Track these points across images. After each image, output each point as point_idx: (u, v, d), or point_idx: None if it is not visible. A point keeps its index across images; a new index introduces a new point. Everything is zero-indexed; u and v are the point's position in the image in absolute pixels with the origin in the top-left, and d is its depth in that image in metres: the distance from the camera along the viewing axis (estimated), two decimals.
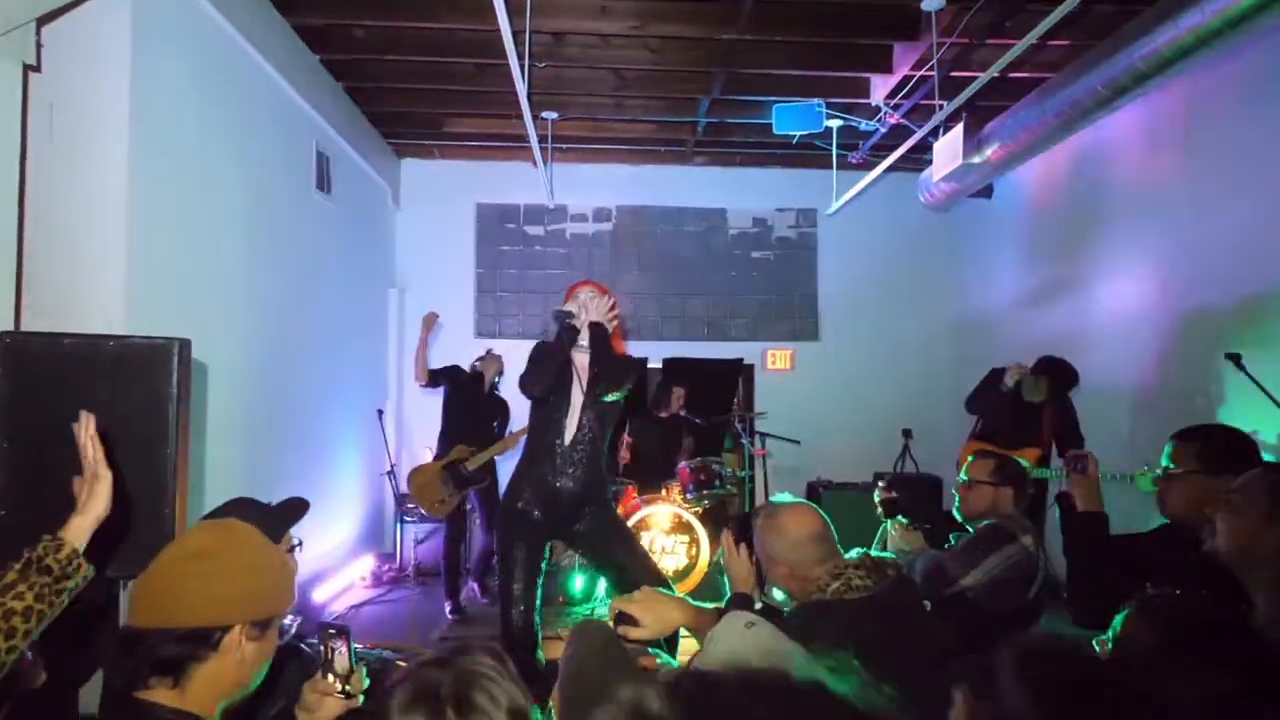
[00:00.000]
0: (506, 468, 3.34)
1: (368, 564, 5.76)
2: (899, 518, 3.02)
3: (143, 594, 1.25)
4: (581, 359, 2.90)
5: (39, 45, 2.71)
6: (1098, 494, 2.18)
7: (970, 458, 2.75)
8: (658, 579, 2.87)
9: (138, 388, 2.15)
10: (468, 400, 4.99)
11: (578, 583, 4.91)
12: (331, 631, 1.42)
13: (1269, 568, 1.51)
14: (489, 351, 5.21)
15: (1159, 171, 4.48)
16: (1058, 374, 4.33)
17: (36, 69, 2.76)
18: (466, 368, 5.10)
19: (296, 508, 1.97)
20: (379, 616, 4.95)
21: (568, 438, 2.87)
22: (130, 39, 3.06)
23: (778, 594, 1.98)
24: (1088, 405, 4.47)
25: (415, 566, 5.67)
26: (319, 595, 4.88)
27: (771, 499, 2.01)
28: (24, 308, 2.72)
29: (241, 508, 1.89)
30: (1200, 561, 1.66)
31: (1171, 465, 2.02)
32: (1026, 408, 4.31)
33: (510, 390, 3.95)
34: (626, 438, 5.47)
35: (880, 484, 3.07)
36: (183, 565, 1.26)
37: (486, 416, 5.01)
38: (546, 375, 2.78)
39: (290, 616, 1.42)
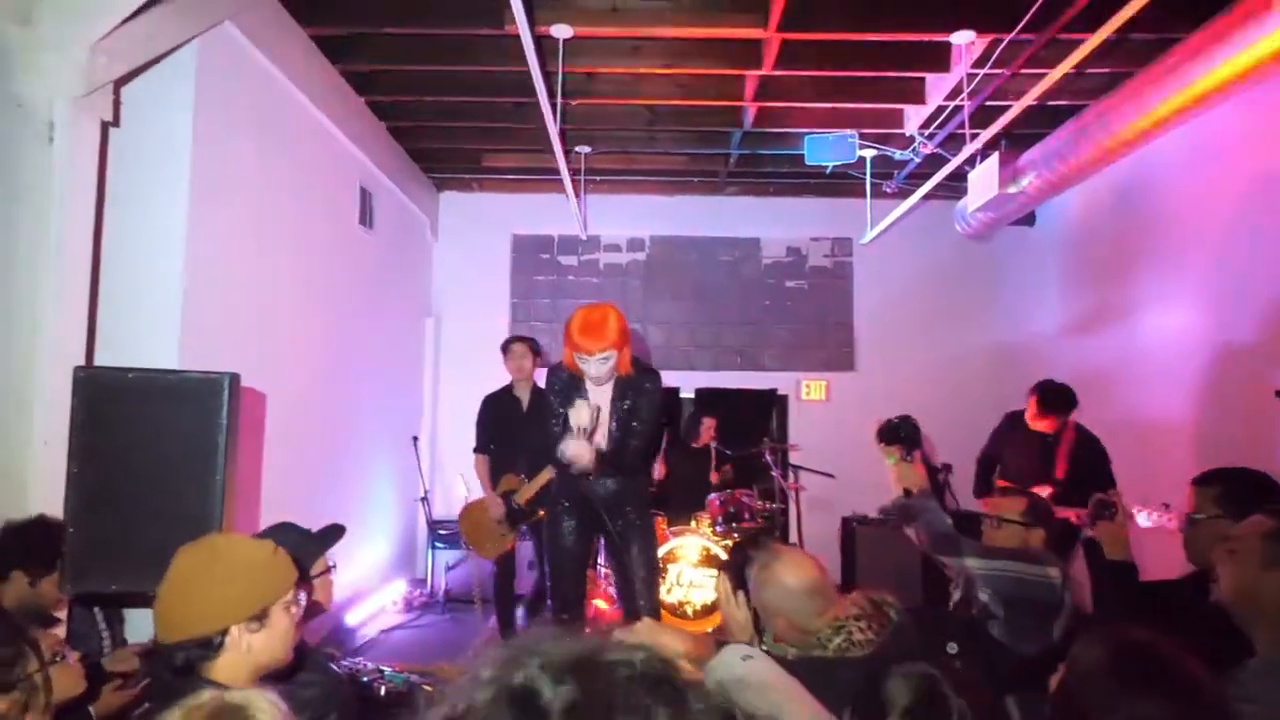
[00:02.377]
0: None
1: (400, 589, 5.83)
2: (897, 451, 2.73)
3: (157, 617, 1.48)
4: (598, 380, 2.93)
5: (117, 104, 2.92)
6: (1126, 541, 2.12)
7: (998, 494, 2.71)
8: (652, 609, 2.97)
9: (192, 418, 2.35)
10: (505, 421, 4.48)
11: None
12: None
13: (1268, 615, 1.50)
14: (508, 345, 4.59)
15: (1208, 200, 4.33)
16: (1046, 397, 4.08)
17: (115, 124, 2.97)
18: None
19: (332, 533, 2.08)
20: (409, 641, 5.00)
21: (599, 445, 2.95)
22: (193, 94, 3.27)
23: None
24: (1132, 441, 4.31)
25: (446, 592, 5.71)
26: (351, 619, 4.94)
27: (763, 546, 1.97)
28: (96, 343, 2.91)
29: (283, 531, 1.99)
30: (1216, 609, 1.64)
31: (1193, 511, 1.97)
32: (1040, 442, 4.12)
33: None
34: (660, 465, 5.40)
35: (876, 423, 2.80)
36: (175, 587, 1.47)
37: (532, 432, 4.23)
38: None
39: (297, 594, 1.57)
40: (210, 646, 1.44)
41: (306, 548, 1.99)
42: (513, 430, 4.47)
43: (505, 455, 4.45)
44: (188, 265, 3.25)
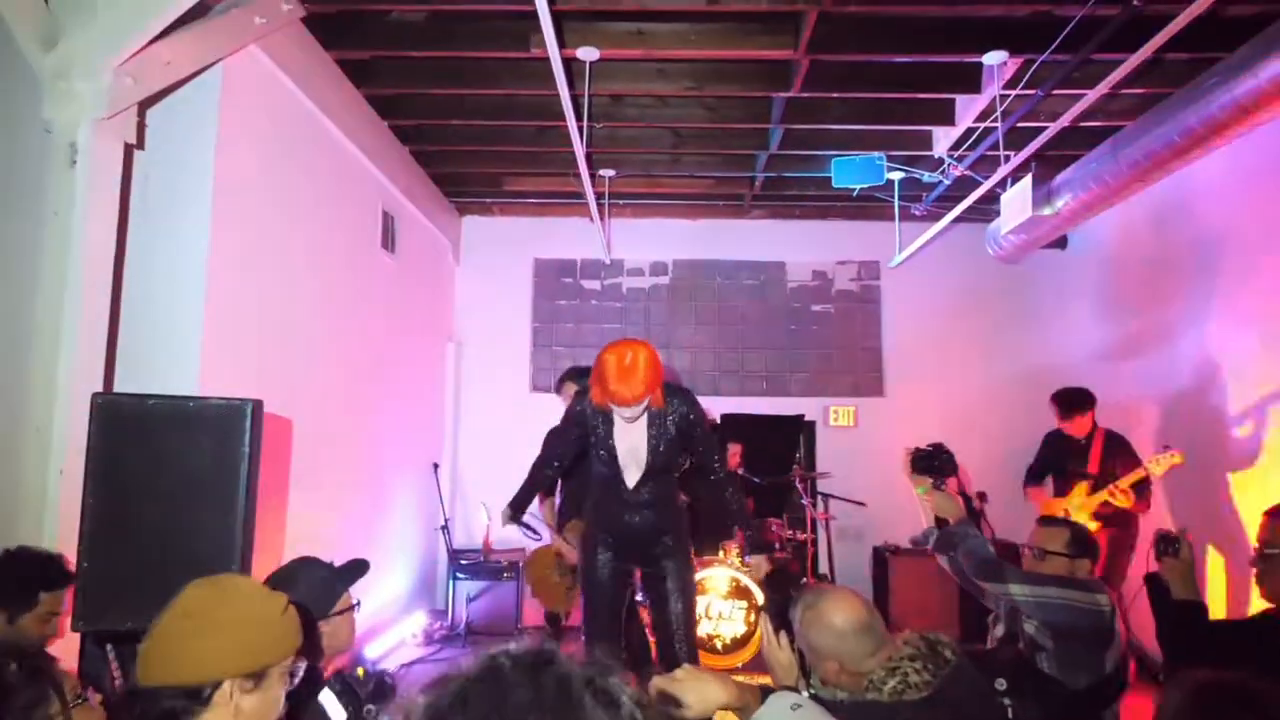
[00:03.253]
0: None
1: (420, 621, 5.72)
2: (931, 481, 2.61)
3: (143, 654, 1.32)
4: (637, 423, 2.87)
5: (141, 126, 2.92)
6: (1194, 578, 2.01)
7: (1039, 525, 2.61)
8: (690, 652, 2.82)
9: (213, 445, 2.29)
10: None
11: None
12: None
13: None
14: (562, 383, 4.36)
15: (1250, 222, 4.20)
16: (1063, 399, 4.60)
17: (139, 146, 2.97)
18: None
19: (356, 569, 2.00)
20: (430, 675, 4.85)
21: (630, 481, 2.87)
22: (218, 117, 3.26)
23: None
24: (1177, 474, 4.15)
25: (467, 624, 5.59)
26: (371, 651, 4.85)
27: (811, 588, 1.89)
28: (115, 368, 2.89)
29: (306, 566, 1.95)
30: None
31: (1268, 542, 1.86)
32: (1075, 445, 4.57)
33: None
34: (732, 448, 5.16)
35: (905, 450, 2.71)
36: (173, 624, 1.33)
37: None
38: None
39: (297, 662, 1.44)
40: (198, 698, 1.28)
41: (330, 584, 1.94)
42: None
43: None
44: (210, 289, 3.22)
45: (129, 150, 2.86)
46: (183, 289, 3.19)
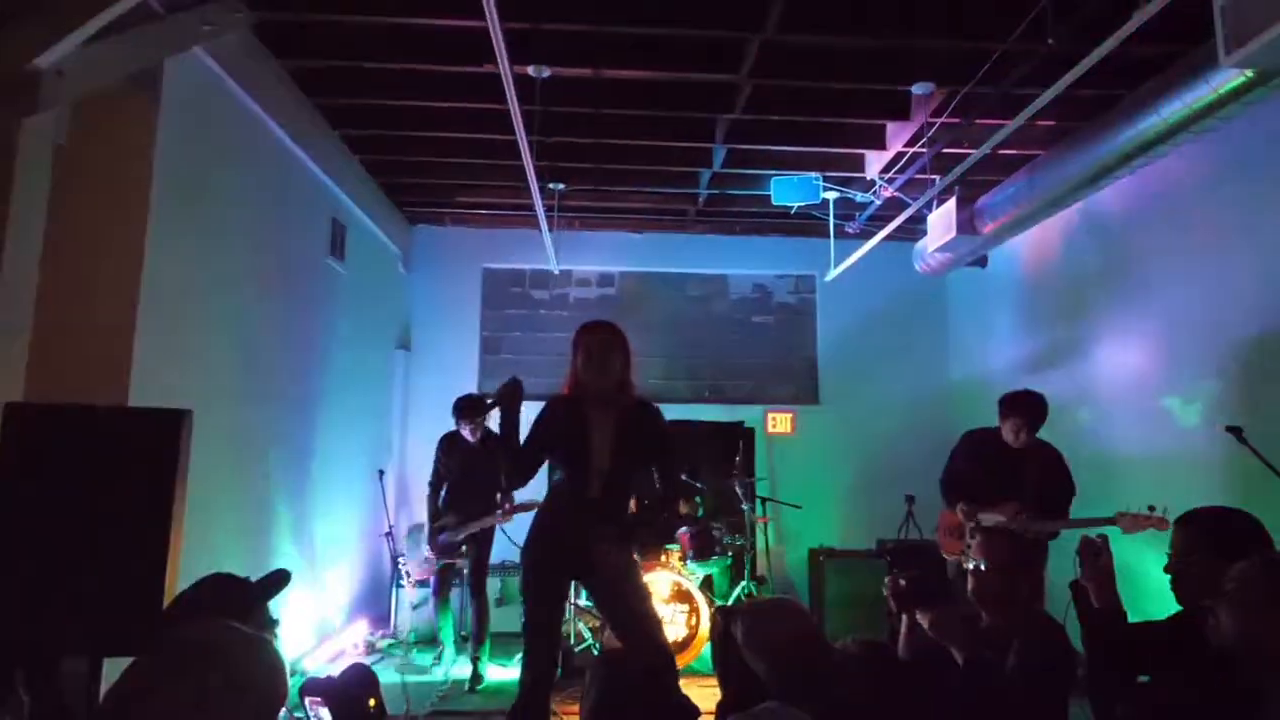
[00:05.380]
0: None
1: (361, 630, 5.66)
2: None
3: None
4: (599, 413, 2.80)
5: (72, 127, 2.80)
6: (1113, 587, 2.09)
7: (975, 537, 2.48)
8: (657, 647, 2.72)
9: (139, 458, 2.07)
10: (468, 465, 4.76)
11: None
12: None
13: (1275, 656, 1.49)
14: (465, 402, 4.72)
15: (1157, 243, 4.54)
16: (1026, 410, 3.88)
17: (68, 147, 2.84)
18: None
19: (275, 582, 1.87)
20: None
21: (591, 491, 2.74)
22: (158, 118, 3.16)
23: None
24: (1091, 474, 4.47)
25: (409, 632, 5.57)
26: (310, 664, 4.78)
27: (748, 604, 1.92)
28: (35, 379, 2.68)
29: (217, 583, 1.81)
30: (1217, 653, 1.63)
31: (1180, 552, 1.96)
32: (1008, 457, 3.91)
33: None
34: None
35: (886, 579, 2.41)
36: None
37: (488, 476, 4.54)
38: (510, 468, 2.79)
39: None
40: None
41: (245, 600, 1.80)
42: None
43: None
44: (145, 295, 3.09)
45: (60, 151, 2.73)
46: (116, 295, 3.06)
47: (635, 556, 2.93)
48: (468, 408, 4.63)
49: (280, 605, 1.90)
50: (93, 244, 3.02)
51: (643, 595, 2.87)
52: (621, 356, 2.79)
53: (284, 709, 1.93)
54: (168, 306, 3.28)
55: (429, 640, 5.32)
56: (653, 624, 2.80)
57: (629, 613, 2.75)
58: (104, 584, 1.94)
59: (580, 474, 2.75)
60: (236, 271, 3.94)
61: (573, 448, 2.76)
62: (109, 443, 2.08)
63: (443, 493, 4.90)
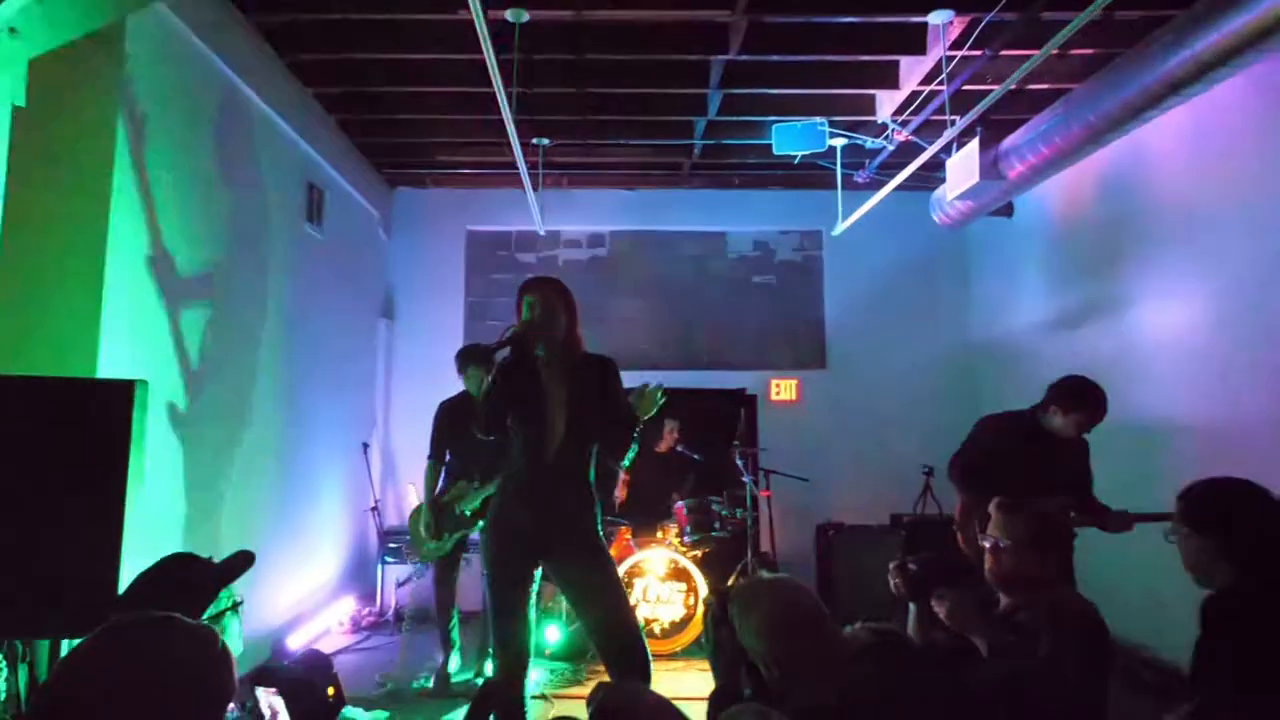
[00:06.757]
0: None
1: (348, 607, 5.49)
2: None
3: None
4: (557, 375, 2.67)
5: (29, 85, 2.60)
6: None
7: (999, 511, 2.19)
8: (635, 645, 2.54)
9: (92, 429, 2.13)
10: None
11: (553, 632, 4.57)
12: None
13: None
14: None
15: (1203, 186, 4.07)
16: (1099, 411, 3.16)
17: (25, 107, 2.66)
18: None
19: (237, 563, 1.82)
20: (355, 665, 4.63)
21: (549, 456, 2.61)
22: (122, 77, 3.03)
23: None
24: (1132, 441, 4.10)
25: (397, 610, 5.36)
26: (294, 642, 4.60)
27: (746, 581, 1.77)
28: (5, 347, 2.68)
29: (177, 563, 1.79)
30: None
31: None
32: (1044, 448, 3.20)
33: None
34: (624, 475, 5.15)
35: (892, 565, 2.26)
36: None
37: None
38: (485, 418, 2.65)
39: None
40: None
41: (205, 582, 1.76)
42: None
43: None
44: (111, 262, 2.97)
45: (16, 112, 2.57)
46: (80, 263, 2.94)
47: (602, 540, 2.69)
48: (479, 356, 4.18)
49: (251, 585, 1.89)
50: (55, 208, 2.93)
51: (617, 590, 2.66)
52: (567, 313, 2.69)
53: (232, 704, 1.73)
54: (135, 275, 3.18)
55: (415, 619, 5.01)
56: (632, 634, 2.58)
57: (601, 609, 2.59)
58: (59, 564, 2.01)
59: (537, 434, 2.63)
60: (209, 239, 3.79)
61: (528, 409, 2.64)
62: (59, 415, 2.13)
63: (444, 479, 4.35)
